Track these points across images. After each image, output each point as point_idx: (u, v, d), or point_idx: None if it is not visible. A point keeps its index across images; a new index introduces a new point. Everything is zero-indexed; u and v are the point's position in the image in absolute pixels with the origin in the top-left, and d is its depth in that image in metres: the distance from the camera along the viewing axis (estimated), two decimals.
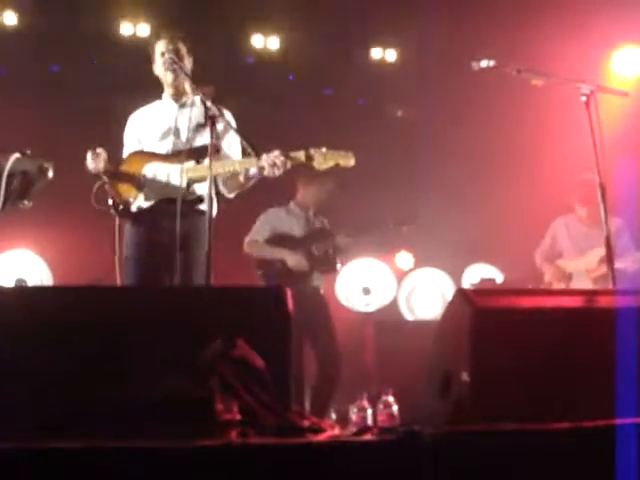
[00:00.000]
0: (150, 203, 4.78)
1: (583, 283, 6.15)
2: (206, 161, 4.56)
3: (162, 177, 4.76)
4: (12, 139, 4.74)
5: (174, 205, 4.57)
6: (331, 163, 4.69)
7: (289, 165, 4.63)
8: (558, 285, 6.34)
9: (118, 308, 3.04)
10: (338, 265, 6.50)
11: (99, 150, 4.77)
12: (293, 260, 6.22)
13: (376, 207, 7.63)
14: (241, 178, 4.75)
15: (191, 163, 4.69)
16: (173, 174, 4.73)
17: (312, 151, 4.66)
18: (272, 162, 4.58)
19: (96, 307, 3.04)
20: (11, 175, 4.27)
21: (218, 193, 4.83)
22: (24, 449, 2.16)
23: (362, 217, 6.81)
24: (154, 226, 4.73)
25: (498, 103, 7.39)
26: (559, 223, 6.85)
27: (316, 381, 6.18)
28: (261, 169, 4.61)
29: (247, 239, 6.40)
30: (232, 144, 4.89)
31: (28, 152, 4.40)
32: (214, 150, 4.56)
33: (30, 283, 7.03)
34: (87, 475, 2.11)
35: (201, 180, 4.68)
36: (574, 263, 6.43)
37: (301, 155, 4.65)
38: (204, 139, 4.68)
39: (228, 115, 4.87)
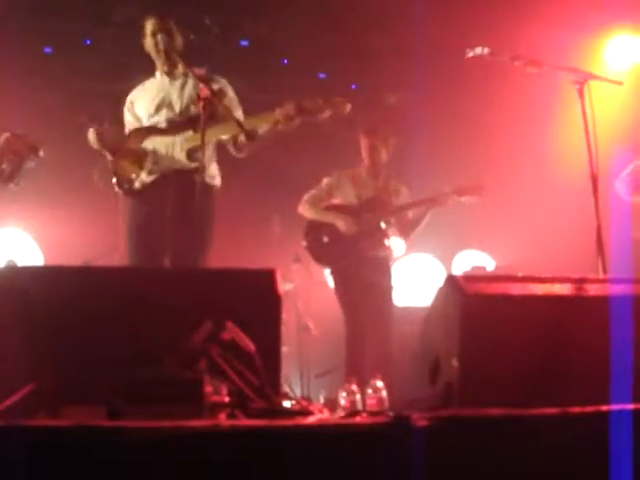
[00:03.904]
0: (153, 177, 4.79)
1: None
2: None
3: (162, 150, 4.79)
4: (3, 119, 4.73)
5: (177, 177, 4.63)
6: (329, 112, 4.69)
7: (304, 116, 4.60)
8: None
9: (108, 290, 3.03)
10: (386, 241, 6.08)
11: (105, 126, 4.79)
12: (343, 224, 5.96)
13: None
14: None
15: (189, 132, 4.71)
16: (172, 145, 4.77)
17: (320, 100, 4.63)
18: (287, 114, 4.55)
19: (86, 288, 3.03)
20: (1, 154, 4.26)
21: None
22: (16, 427, 2.16)
23: None
24: (158, 201, 4.73)
25: (494, 91, 7.39)
26: None
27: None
28: (276, 123, 4.59)
29: (304, 197, 6.14)
30: (233, 106, 4.88)
31: (19, 132, 4.39)
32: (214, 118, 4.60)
33: (20, 263, 7.00)
34: (75, 454, 2.12)
35: (201, 147, 4.71)
36: None
37: (317, 103, 4.63)
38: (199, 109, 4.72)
39: (223, 82, 4.91)
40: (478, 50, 4.54)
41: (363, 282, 5.91)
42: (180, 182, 4.66)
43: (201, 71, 4.73)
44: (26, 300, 2.91)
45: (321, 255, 6.07)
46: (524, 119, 7.58)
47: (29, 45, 7.37)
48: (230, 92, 4.92)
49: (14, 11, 7.17)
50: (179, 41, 4.95)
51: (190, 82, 4.88)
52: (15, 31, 7.13)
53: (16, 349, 2.81)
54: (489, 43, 4.56)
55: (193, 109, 4.81)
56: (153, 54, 4.97)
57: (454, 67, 6.83)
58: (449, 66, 7.07)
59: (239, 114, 4.85)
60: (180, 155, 4.75)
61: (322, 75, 8.26)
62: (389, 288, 6.11)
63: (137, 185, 4.80)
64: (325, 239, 6.02)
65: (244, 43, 7.81)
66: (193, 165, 4.68)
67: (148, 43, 4.96)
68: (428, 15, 7.01)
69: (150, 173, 4.80)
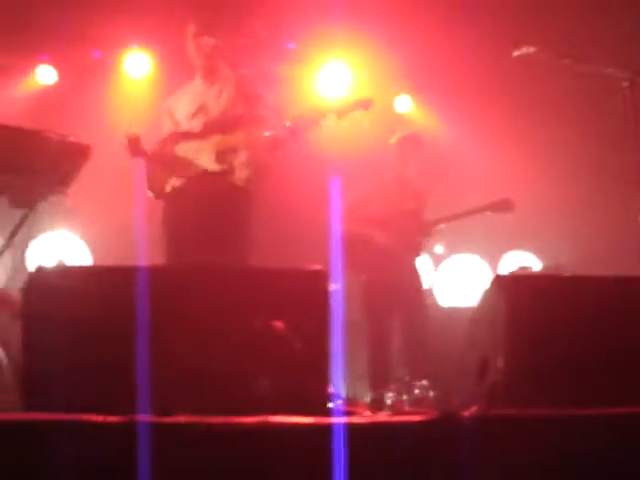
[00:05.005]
0: (181, 182, 4.83)
1: None
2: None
3: (191, 154, 4.81)
4: (56, 123, 4.80)
5: (204, 180, 4.67)
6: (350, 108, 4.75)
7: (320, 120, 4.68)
8: None
9: (157, 289, 3.06)
10: (418, 250, 6.23)
11: (136, 133, 4.85)
12: (373, 236, 6.06)
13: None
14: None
15: (219, 136, 4.74)
16: (201, 149, 4.79)
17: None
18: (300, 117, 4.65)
19: (136, 288, 3.06)
20: (55, 158, 4.30)
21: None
22: (62, 420, 2.21)
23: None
24: (187, 204, 4.77)
25: (538, 87, 7.33)
26: None
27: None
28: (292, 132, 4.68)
29: None
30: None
31: (69, 134, 4.44)
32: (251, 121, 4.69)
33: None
34: (127, 449, 2.16)
35: (231, 151, 4.74)
36: None
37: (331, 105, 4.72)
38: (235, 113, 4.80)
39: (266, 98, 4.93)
40: (524, 49, 4.49)
41: (394, 289, 5.93)
42: (206, 185, 4.73)
43: (249, 74, 4.78)
44: (76, 300, 2.95)
45: (355, 263, 6.12)
46: (572, 116, 7.50)
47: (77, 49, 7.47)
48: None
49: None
50: (222, 42, 4.95)
51: (230, 86, 4.88)
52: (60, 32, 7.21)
53: (67, 349, 2.85)
54: (535, 42, 4.51)
55: (229, 113, 4.83)
56: (194, 57, 4.97)
57: (495, 67, 6.81)
58: (489, 66, 7.04)
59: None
60: (208, 158, 4.76)
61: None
62: (420, 290, 6.16)
63: (168, 189, 4.84)
64: (358, 248, 6.08)
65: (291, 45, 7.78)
66: (220, 168, 4.74)
67: (190, 46, 4.95)
68: (470, 13, 6.95)
69: (179, 177, 4.84)
